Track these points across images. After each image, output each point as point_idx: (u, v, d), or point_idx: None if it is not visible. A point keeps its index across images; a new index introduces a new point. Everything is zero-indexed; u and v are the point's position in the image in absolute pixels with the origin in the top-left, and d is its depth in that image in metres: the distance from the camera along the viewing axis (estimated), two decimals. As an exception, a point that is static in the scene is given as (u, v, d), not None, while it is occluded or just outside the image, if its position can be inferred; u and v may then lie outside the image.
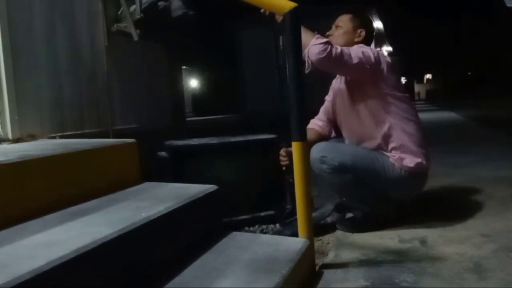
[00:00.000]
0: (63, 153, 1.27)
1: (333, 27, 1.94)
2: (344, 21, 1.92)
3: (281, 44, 1.93)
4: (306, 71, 1.63)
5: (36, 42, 2.08)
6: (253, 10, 1.62)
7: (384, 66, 1.76)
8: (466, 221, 1.80)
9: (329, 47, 1.62)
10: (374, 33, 1.98)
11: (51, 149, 1.33)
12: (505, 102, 15.02)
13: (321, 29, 1.81)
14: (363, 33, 1.90)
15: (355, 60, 1.67)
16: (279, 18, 1.67)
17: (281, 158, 1.86)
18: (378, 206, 1.79)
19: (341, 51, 1.65)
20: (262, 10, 1.70)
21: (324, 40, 1.64)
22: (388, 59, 1.82)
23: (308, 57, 1.64)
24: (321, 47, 1.61)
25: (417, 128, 1.80)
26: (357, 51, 1.70)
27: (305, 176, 1.33)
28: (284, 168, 1.84)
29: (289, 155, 1.72)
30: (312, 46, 1.62)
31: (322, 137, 1.97)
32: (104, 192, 1.35)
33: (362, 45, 1.83)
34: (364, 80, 1.76)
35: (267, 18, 1.74)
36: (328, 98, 2.07)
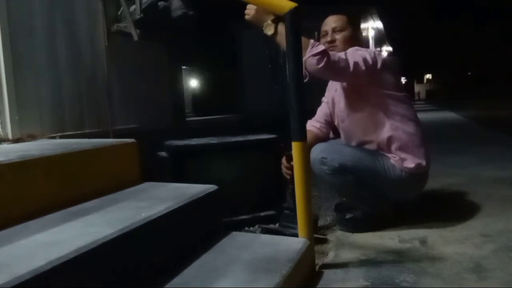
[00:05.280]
0: (63, 153, 1.27)
1: (329, 31, 1.86)
2: (343, 24, 1.86)
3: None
4: (305, 80, 1.59)
5: (36, 42, 2.08)
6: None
7: (381, 66, 1.73)
8: (466, 221, 1.80)
9: (326, 56, 1.56)
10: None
11: (51, 149, 1.33)
12: (505, 102, 15.03)
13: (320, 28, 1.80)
14: (361, 34, 1.89)
15: (352, 66, 1.63)
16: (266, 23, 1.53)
17: (284, 170, 1.85)
18: (378, 206, 1.79)
19: (338, 58, 1.61)
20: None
21: (320, 49, 1.56)
22: (386, 59, 1.79)
23: (305, 68, 1.56)
24: (318, 57, 1.54)
25: (416, 127, 1.80)
26: (353, 55, 1.66)
27: (305, 176, 1.33)
28: (288, 177, 1.82)
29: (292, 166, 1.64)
30: (309, 57, 1.55)
31: (320, 139, 1.95)
32: (104, 192, 1.35)
33: (357, 47, 1.78)
34: (362, 83, 1.74)
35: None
36: (325, 99, 2.05)
